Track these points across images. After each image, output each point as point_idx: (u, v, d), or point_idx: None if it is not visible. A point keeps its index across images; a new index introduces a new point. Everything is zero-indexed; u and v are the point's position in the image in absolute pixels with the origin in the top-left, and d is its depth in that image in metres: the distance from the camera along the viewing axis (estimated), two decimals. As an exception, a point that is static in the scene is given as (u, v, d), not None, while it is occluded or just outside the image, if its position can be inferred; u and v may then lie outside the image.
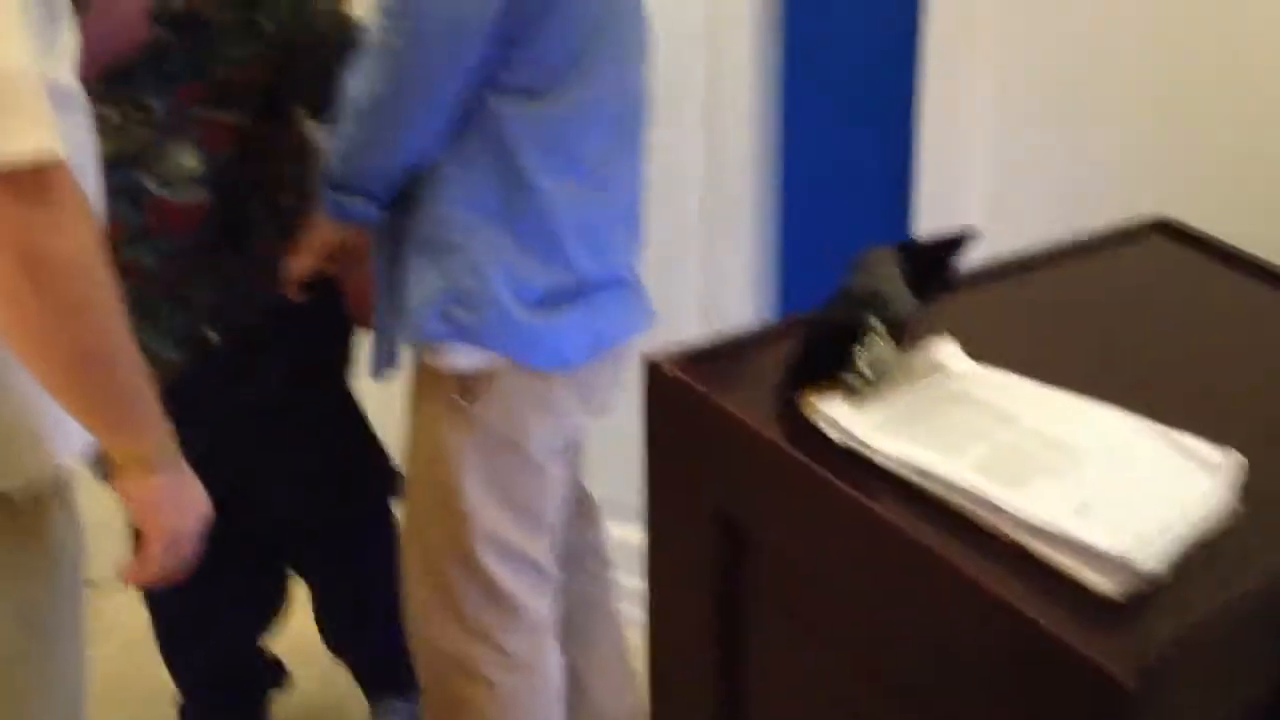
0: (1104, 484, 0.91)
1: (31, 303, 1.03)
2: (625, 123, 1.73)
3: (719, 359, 1.06)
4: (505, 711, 1.82)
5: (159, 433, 1.19)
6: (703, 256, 2.51)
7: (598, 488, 2.63)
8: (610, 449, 2.65)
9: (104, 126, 1.45)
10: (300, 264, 1.80)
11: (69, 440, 1.21)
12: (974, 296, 1.24)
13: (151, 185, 1.77)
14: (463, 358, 1.65)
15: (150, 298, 1.82)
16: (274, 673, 2.38)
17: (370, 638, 2.30)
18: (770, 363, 1.03)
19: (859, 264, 1.00)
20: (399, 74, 1.54)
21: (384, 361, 1.78)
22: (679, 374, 1.02)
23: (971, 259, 1.17)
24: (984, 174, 2.15)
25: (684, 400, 1.01)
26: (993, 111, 2.12)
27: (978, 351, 1.08)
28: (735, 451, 0.99)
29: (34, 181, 1.00)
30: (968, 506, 0.90)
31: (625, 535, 2.44)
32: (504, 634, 1.78)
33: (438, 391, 1.69)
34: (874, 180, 2.35)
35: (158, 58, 1.74)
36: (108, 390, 1.13)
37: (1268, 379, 1.13)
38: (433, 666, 1.86)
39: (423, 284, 1.63)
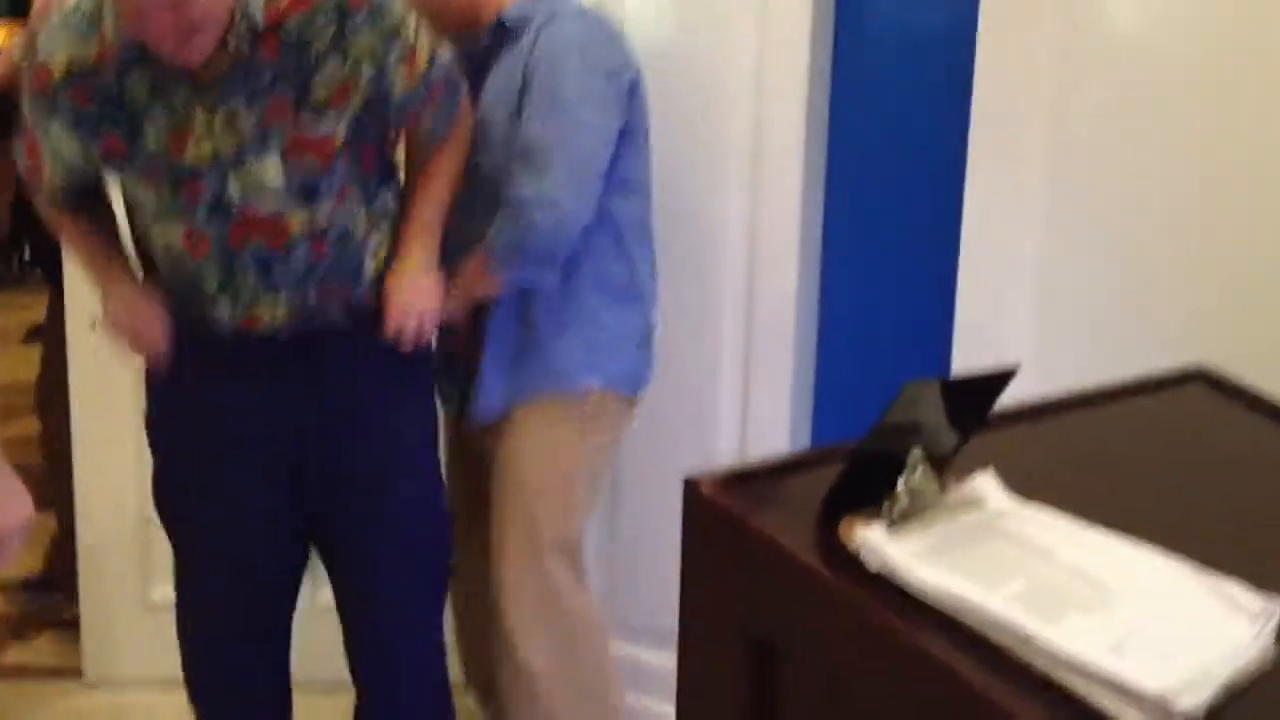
0: (1140, 623, 0.91)
1: None
2: None
3: (757, 481, 1.07)
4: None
5: None
6: (739, 386, 2.53)
7: (635, 614, 2.62)
8: (645, 572, 2.65)
9: None
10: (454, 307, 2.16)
11: None
12: (1015, 434, 1.25)
13: None
14: (595, 391, 2.23)
15: None
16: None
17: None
18: (808, 487, 1.04)
19: (902, 396, 1.01)
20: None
21: (497, 404, 2.24)
22: (717, 495, 1.03)
23: (1013, 395, 1.18)
24: (1026, 308, 2.16)
25: (721, 520, 1.02)
26: (1038, 244, 2.14)
27: (1017, 487, 1.09)
28: (771, 573, 1.00)
29: None
30: (1004, 639, 0.90)
31: (660, 661, 2.42)
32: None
33: (569, 414, 2.24)
34: (913, 312, 2.37)
35: None
36: None
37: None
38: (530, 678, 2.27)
39: (566, 340, 2.20)
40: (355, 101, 1.96)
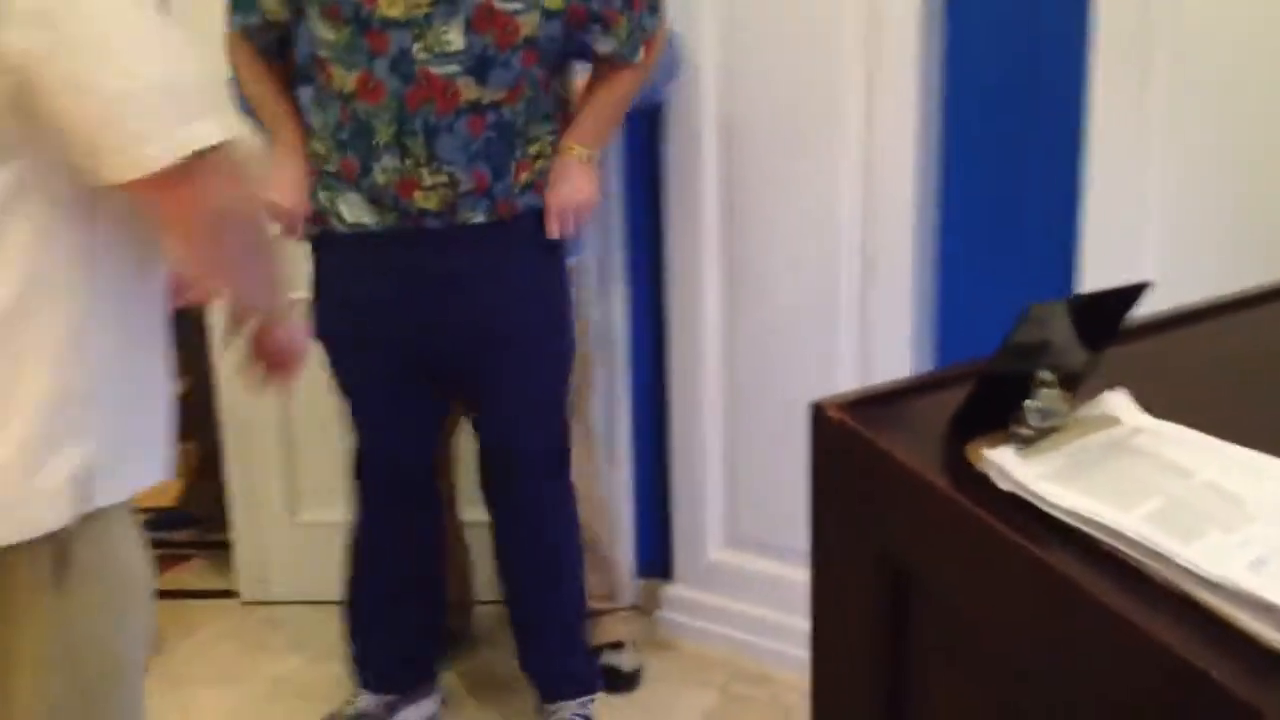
0: (1279, 540, 0.90)
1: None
2: None
3: (885, 405, 1.07)
4: None
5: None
6: (859, 305, 2.52)
7: (760, 531, 2.67)
8: (771, 492, 2.68)
9: None
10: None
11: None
12: (1148, 347, 1.23)
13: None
14: None
15: None
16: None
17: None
18: (935, 409, 1.04)
19: (1028, 315, 1.00)
20: None
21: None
22: (845, 418, 1.04)
23: (1145, 308, 1.16)
24: (1156, 219, 2.12)
25: (850, 445, 1.03)
26: (1164, 152, 2.09)
27: (1151, 404, 1.07)
28: (901, 497, 1.01)
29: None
30: (1138, 558, 0.89)
31: (784, 574, 2.47)
32: None
33: None
34: (1037, 226, 2.33)
35: None
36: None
37: None
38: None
39: None
40: None
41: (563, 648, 2.57)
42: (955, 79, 2.42)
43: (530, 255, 2.26)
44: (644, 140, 2.81)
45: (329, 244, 2.26)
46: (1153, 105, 2.08)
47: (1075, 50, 2.16)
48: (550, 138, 2.23)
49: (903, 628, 1.03)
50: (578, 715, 2.56)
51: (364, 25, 2.04)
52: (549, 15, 2.09)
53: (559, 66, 2.23)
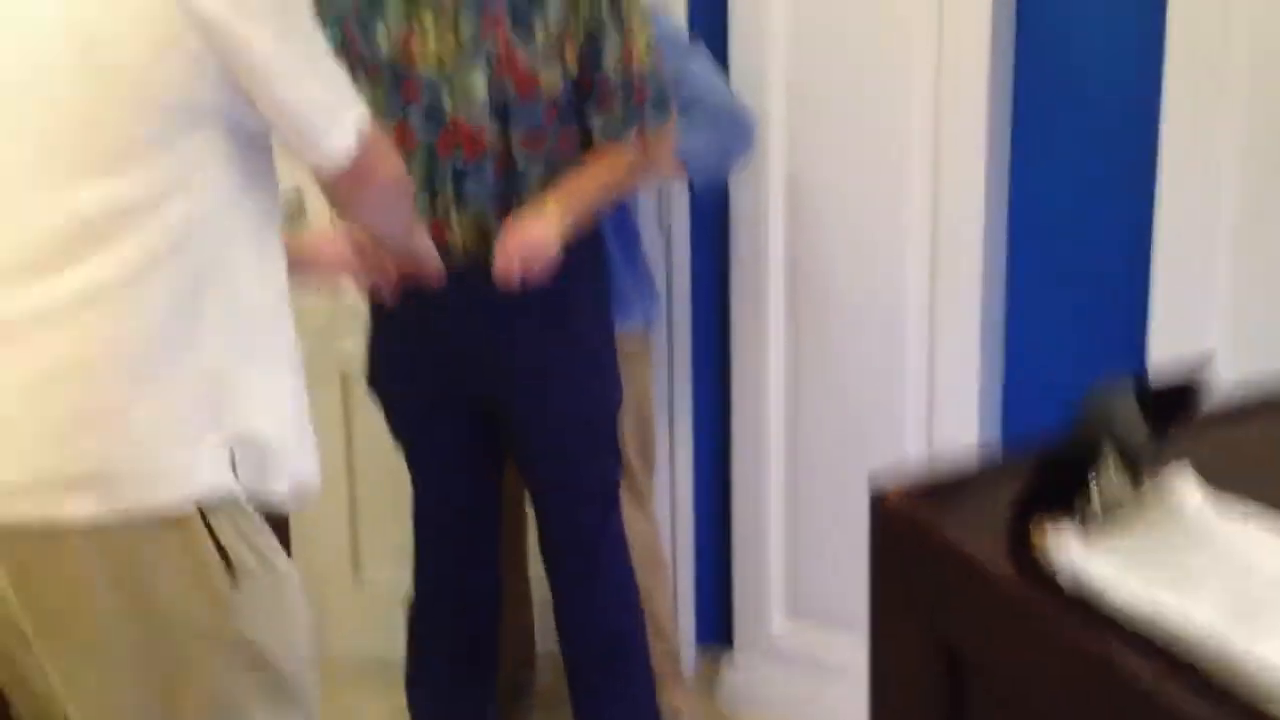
0: (1354, 636, 0.87)
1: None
2: None
3: (945, 487, 1.06)
4: None
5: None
6: (925, 373, 2.50)
7: (824, 601, 2.64)
8: (835, 561, 2.65)
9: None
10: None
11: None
12: (1218, 431, 1.21)
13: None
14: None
15: None
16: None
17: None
18: (999, 494, 1.02)
19: (1093, 394, 0.98)
20: None
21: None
22: (905, 503, 1.02)
23: (1215, 388, 1.14)
24: (1224, 291, 2.08)
25: (910, 530, 1.01)
26: (1234, 224, 2.06)
27: (1218, 490, 1.05)
28: (961, 583, 0.99)
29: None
30: (1202, 655, 0.87)
31: (840, 642, 2.43)
32: None
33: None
34: (1106, 292, 2.30)
35: None
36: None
37: None
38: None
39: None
40: (569, 57, 2.15)
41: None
42: (1022, 143, 2.40)
43: (561, 292, 2.27)
44: (710, 209, 2.81)
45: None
46: (1224, 170, 2.06)
47: (1146, 112, 2.14)
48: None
49: (960, 710, 1.01)
50: None
51: (400, 79, 2.15)
52: (566, 75, 2.16)
53: (582, 141, 2.27)
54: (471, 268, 2.19)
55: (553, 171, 2.22)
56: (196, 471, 1.48)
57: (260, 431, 1.53)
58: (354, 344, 2.57)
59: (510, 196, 2.19)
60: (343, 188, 1.64)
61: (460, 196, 2.18)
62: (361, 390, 2.51)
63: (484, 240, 2.19)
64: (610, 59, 2.16)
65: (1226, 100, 2.06)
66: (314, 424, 1.67)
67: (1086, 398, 0.99)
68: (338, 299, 2.75)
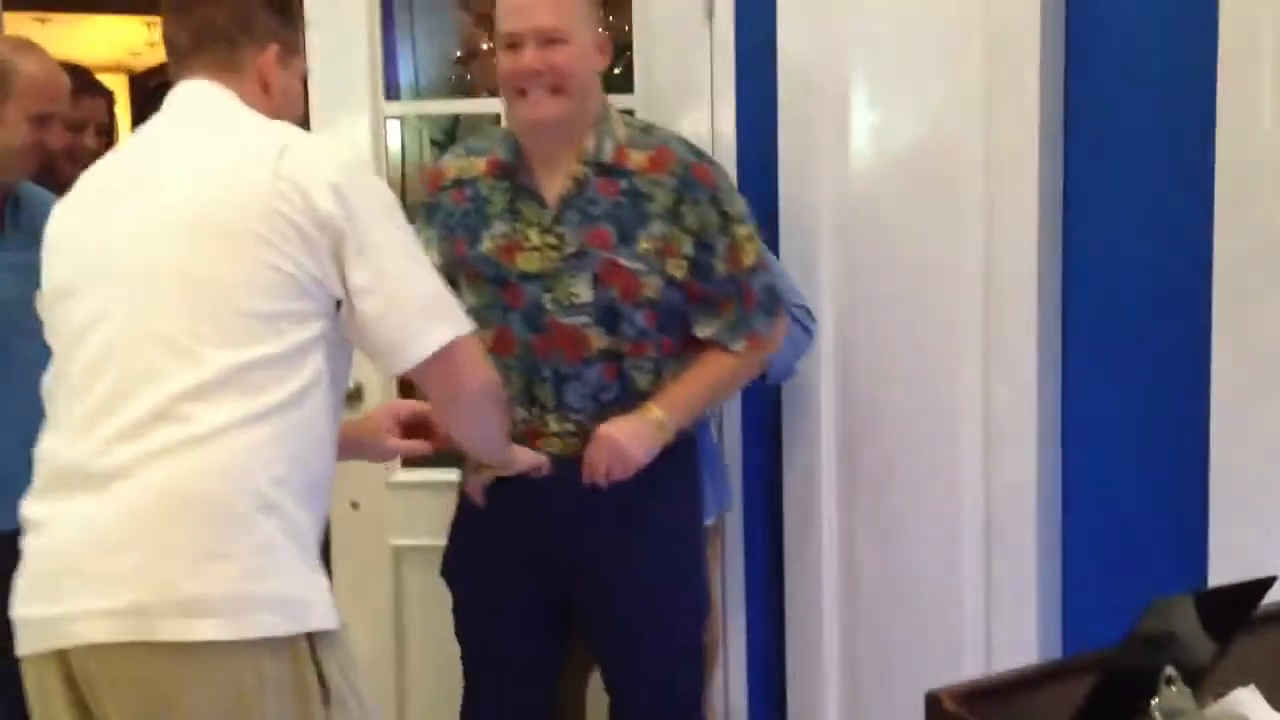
0: None
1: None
2: None
3: (1003, 696, 1.04)
4: None
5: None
6: (983, 584, 2.45)
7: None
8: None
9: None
10: None
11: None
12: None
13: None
14: None
15: None
16: None
17: None
18: (1055, 702, 1.01)
19: (1152, 608, 0.97)
20: None
21: None
22: (960, 711, 1.00)
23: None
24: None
25: (965, 738, 0.99)
26: None
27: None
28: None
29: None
30: None
31: None
32: None
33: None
34: (1164, 503, 2.27)
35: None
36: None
37: None
38: None
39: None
40: (673, 266, 2.15)
41: None
42: (1074, 353, 2.41)
43: (659, 500, 2.24)
44: (763, 408, 2.83)
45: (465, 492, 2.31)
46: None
47: (1197, 330, 2.14)
48: None
49: None
50: None
51: (502, 282, 2.17)
52: (670, 282, 2.17)
53: (685, 340, 2.26)
54: (565, 470, 2.16)
55: (657, 376, 2.22)
56: (311, 606, 1.61)
57: None
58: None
59: (614, 402, 2.19)
60: (435, 388, 1.75)
61: (559, 400, 2.18)
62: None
63: (581, 443, 2.18)
64: (720, 267, 2.19)
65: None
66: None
67: (1147, 612, 0.97)
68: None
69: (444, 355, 1.68)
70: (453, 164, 2.28)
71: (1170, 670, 0.98)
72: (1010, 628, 2.36)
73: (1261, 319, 2.01)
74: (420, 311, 1.69)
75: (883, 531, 2.60)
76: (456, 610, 2.37)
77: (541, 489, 2.17)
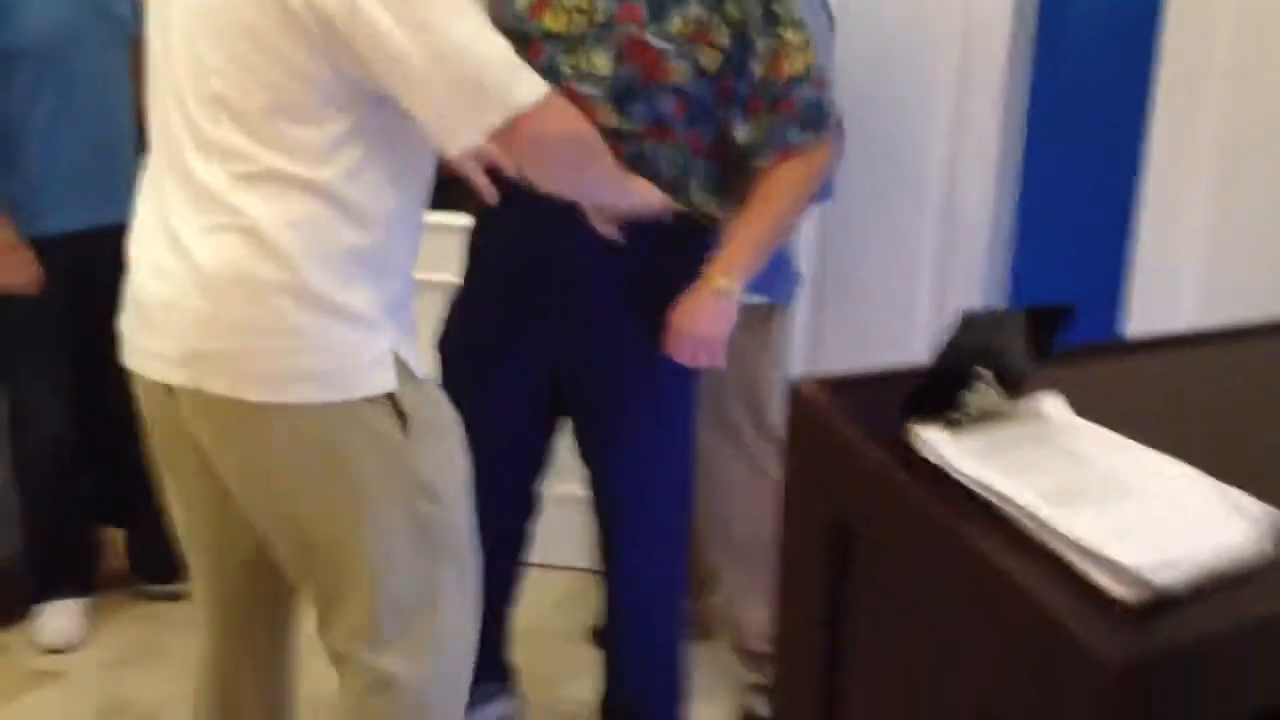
0: (1146, 519, 1.07)
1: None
2: None
3: (853, 387, 1.27)
4: None
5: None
6: (935, 299, 2.68)
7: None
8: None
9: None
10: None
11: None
12: (1121, 362, 1.40)
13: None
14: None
15: None
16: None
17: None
18: (898, 395, 1.23)
19: (965, 321, 1.18)
20: None
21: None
22: (813, 396, 1.23)
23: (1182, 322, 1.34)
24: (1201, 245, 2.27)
25: (814, 419, 1.23)
26: (1212, 192, 2.24)
27: (1091, 407, 1.24)
28: (850, 466, 1.20)
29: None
30: (1023, 523, 1.07)
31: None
32: None
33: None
34: (1097, 252, 2.49)
35: None
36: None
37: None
38: None
39: None
40: (706, 55, 2.09)
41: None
42: (1036, 126, 2.57)
43: (663, 287, 2.23)
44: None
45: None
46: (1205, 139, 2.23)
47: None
48: (689, 194, 2.22)
49: (845, 579, 1.22)
50: None
51: (525, 38, 2.11)
52: (701, 73, 2.10)
53: (719, 148, 2.20)
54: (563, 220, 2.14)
55: (684, 173, 2.17)
56: (357, 373, 1.80)
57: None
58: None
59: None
60: (526, 143, 1.75)
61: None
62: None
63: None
64: (757, 68, 2.10)
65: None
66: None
67: (967, 318, 1.19)
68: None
69: (504, 134, 1.71)
70: None
71: (984, 372, 1.20)
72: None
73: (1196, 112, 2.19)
74: (503, 57, 1.72)
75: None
76: (446, 381, 2.36)
77: (549, 240, 2.21)
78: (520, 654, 2.75)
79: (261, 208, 1.71)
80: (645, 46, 2.09)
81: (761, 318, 2.61)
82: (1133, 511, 1.08)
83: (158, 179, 1.82)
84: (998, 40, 2.56)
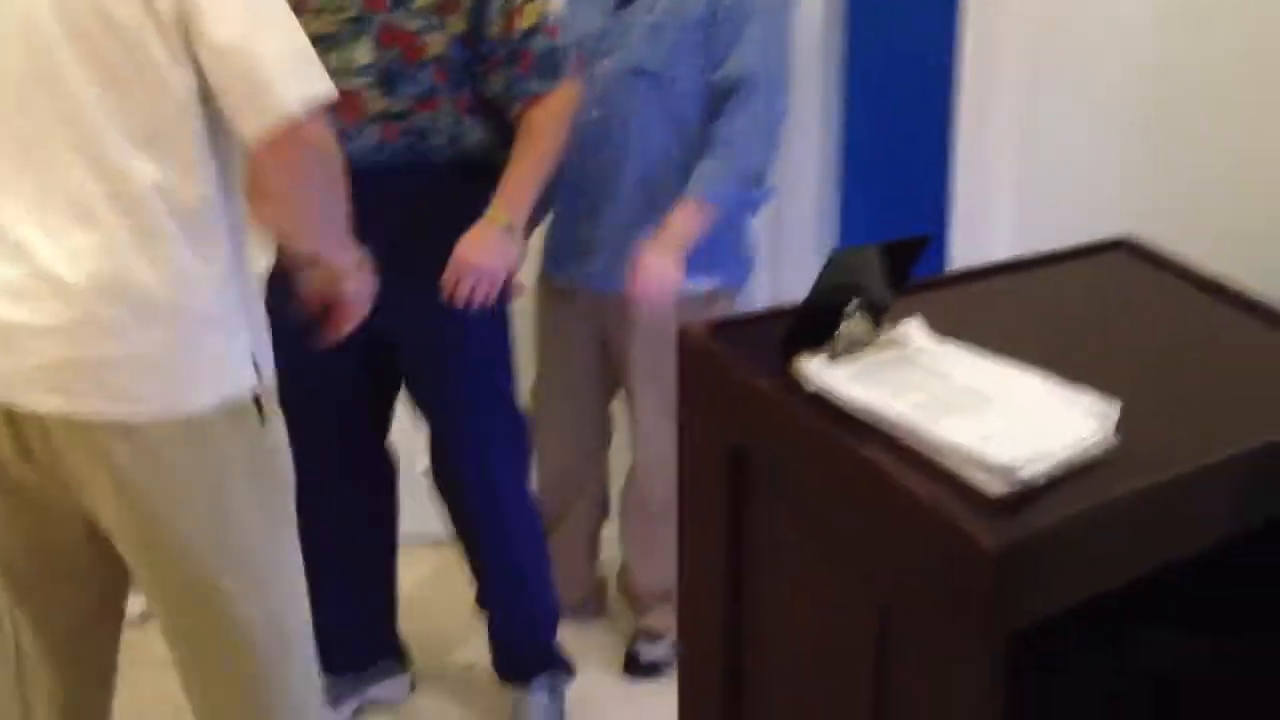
0: (1007, 423, 1.22)
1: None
2: None
3: (734, 329, 1.39)
4: None
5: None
6: (771, 246, 2.86)
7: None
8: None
9: None
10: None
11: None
12: (958, 290, 1.56)
13: None
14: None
15: None
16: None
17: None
18: (777, 333, 1.36)
19: (835, 259, 1.31)
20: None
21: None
22: (702, 338, 1.35)
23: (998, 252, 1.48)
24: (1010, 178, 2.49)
25: (703, 360, 1.34)
26: (1021, 121, 2.46)
27: (941, 330, 1.39)
28: (741, 398, 1.32)
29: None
30: (902, 435, 1.21)
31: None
32: None
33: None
34: (917, 185, 2.69)
35: None
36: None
37: (1164, 357, 1.43)
38: None
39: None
40: (454, 21, 2.19)
41: (528, 641, 2.65)
42: (854, 68, 2.75)
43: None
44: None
45: None
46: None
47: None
48: (473, 146, 2.32)
49: (742, 501, 1.35)
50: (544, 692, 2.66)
51: None
52: (454, 38, 2.22)
53: (482, 98, 2.31)
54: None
55: (457, 135, 2.28)
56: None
57: None
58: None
59: (400, 153, 2.25)
60: (284, 152, 1.65)
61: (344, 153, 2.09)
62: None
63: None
64: (492, 29, 2.22)
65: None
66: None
67: (834, 257, 1.32)
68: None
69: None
70: None
71: (851, 305, 1.33)
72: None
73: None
74: (293, 49, 1.65)
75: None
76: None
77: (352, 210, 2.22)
78: (407, 626, 2.80)
79: None
80: (399, 29, 2.20)
81: (714, 301, 2.67)
82: (994, 416, 1.22)
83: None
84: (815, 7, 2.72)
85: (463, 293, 2.27)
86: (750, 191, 2.53)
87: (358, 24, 2.20)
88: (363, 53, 2.21)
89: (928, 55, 2.65)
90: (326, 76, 1.65)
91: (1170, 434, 1.27)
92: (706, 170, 2.46)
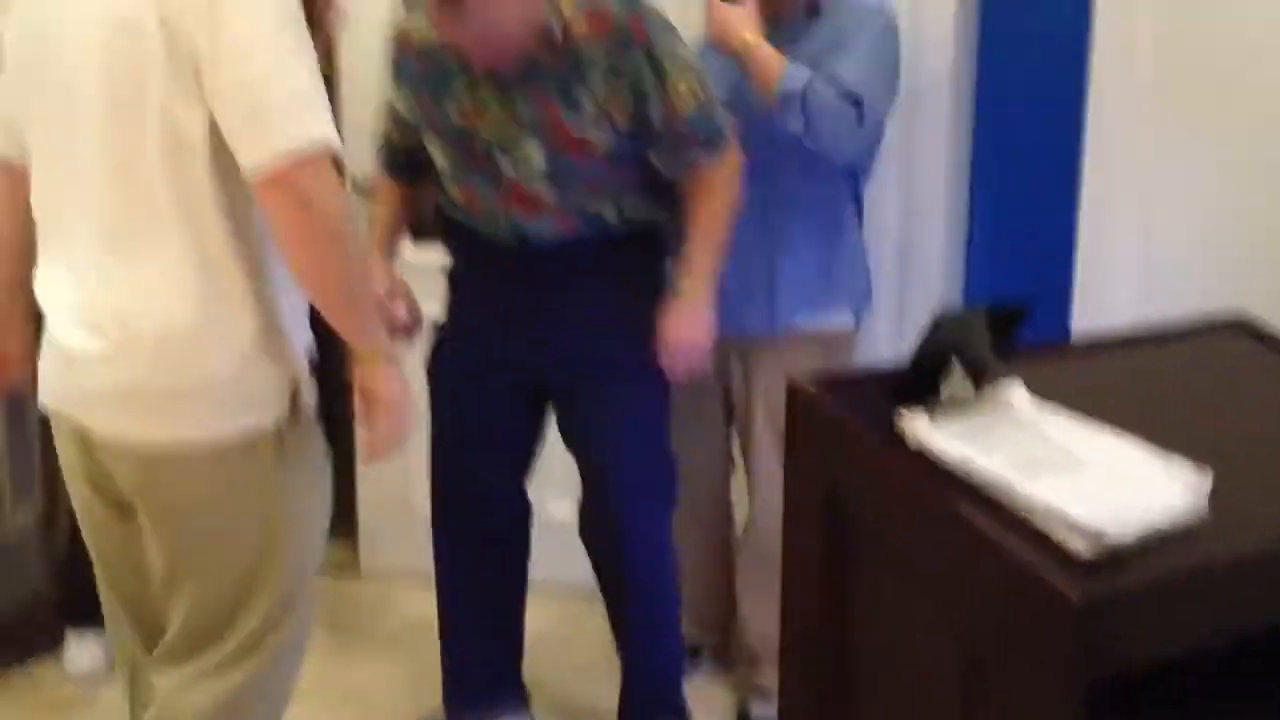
0: (1099, 484, 1.26)
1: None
2: None
3: (845, 384, 1.46)
4: None
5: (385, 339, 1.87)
6: (899, 293, 2.89)
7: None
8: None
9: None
10: None
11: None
12: (1066, 358, 1.61)
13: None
14: None
15: None
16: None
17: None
18: (884, 389, 1.42)
19: (936, 321, 1.38)
20: None
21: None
22: (810, 391, 1.42)
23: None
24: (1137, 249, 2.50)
25: (810, 411, 1.42)
26: (1149, 176, 2.46)
27: (1045, 396, 1.43)
28: (844, 450, 1.39)
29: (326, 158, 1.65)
30: (995, 492, 1.26)
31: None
32: None
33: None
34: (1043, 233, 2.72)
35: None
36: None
37: (1265, 437, 1.46)
38: None
39: None
40: (619, 120, 2.30)
41: (658, 692, 2.67)
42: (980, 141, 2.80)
43: (629, 295, 2.43)
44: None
45: None
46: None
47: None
48: (639, 213, 2.43)
49: (841, 550, 1.41)
50: None
51: (468, 145, 2.35)
52: (619, 133, 2.31)
53: (643, 169, 2.40)
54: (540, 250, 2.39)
55: (619, 208, 2.39)
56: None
57: None
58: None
59: (577, 237, 2.38)
60: (277, 198, 1.65)
61: (524, 239, 2.38)
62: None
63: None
64: (656, 114, 2.30)
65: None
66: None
67: (937, 319, 1.38)
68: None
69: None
70: (418, 27, 2.34)
71: (955, 365, 1.39)
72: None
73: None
74: (302, 91, 1.65)
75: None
76: (438, 397, 2.56)
77: (531, 282, 2.41)
78: (533, 671, 2.81)
79: None
80: (569, 135, 2.31)
81: (833, 340, 2.70)
82: (1088, 479, 1.27)
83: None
84: (943, 58, 2.76)
85: (680, 370, 2.39)
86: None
87: (531, 130, 2.31)
88: (536, 155, 2.32)
89: (1055, 104, 2.68)
90: (331, 123, 1.66)
91: (1262, 509, 1.30)
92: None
